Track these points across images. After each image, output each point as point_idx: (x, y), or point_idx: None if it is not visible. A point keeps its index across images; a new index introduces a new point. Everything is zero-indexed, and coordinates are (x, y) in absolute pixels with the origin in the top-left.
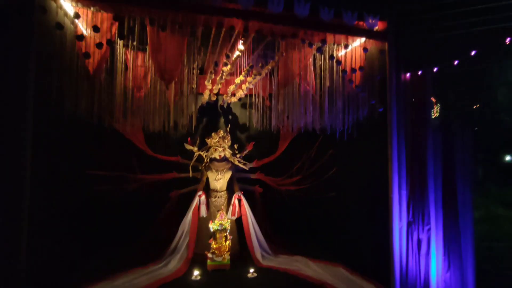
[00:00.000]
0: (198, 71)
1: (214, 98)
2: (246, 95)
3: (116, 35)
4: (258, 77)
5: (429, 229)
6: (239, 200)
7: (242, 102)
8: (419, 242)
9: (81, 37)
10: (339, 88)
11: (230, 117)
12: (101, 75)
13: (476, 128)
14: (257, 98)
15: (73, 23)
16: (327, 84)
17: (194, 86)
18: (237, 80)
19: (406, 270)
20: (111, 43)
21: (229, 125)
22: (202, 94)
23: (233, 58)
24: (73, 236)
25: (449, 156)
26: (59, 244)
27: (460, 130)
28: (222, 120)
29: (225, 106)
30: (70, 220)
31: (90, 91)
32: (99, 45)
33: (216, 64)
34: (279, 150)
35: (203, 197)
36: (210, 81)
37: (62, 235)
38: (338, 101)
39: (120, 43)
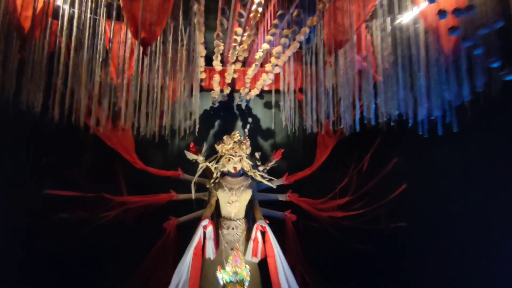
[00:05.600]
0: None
1: (227, 91)
2: (265, 91)
3: None
4: (293, 45)
5: None
6: (263, 233)
7: (265, 101)
8: None
9: None
10: (424, 50)
11: (250, 119)
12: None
13: None
14: (286, 89)
15: None
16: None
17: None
18: (260, 52)
19: None
20: None
21: (248, 126)
22: (209, 90)
23: (253, 9)
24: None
25: None
26: None
27: None
28: (239, 123)
29: (243, 106)
30: (31, 258)
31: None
32: None
33: (224, 12)
34: (318, 161)
35: (210, 228)
36: (219, 56)
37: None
38: (422, 72)
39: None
